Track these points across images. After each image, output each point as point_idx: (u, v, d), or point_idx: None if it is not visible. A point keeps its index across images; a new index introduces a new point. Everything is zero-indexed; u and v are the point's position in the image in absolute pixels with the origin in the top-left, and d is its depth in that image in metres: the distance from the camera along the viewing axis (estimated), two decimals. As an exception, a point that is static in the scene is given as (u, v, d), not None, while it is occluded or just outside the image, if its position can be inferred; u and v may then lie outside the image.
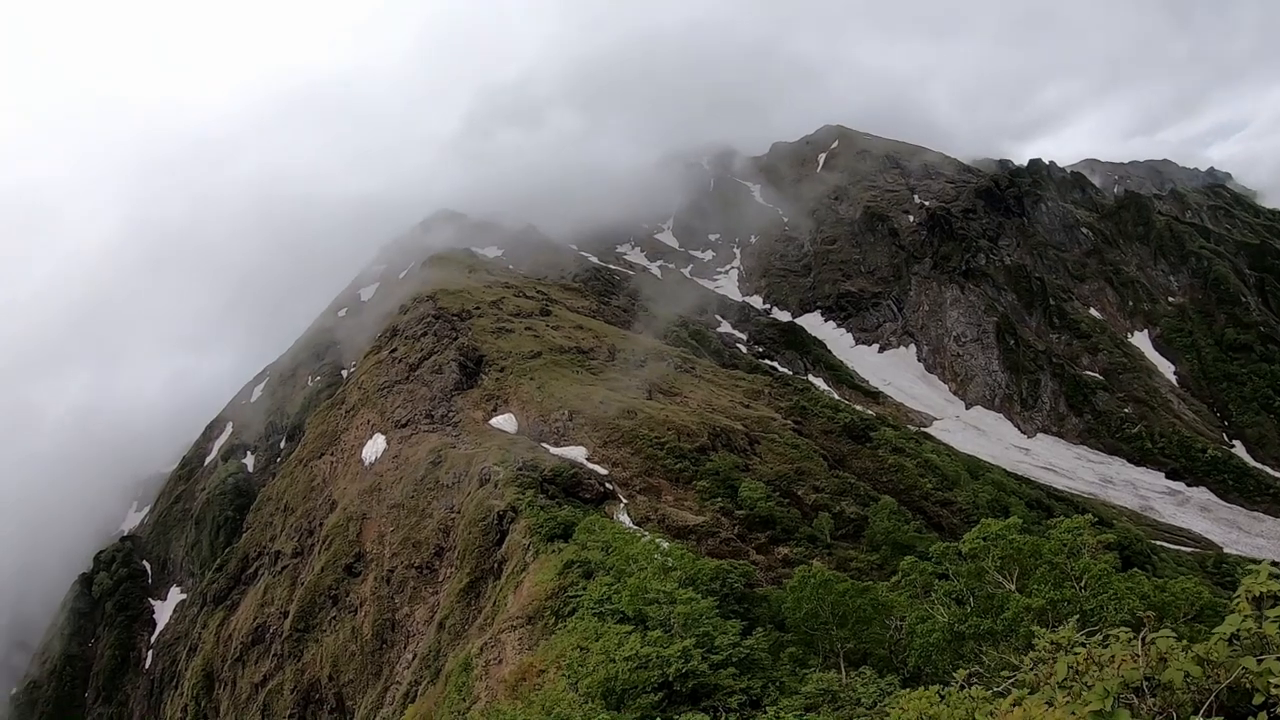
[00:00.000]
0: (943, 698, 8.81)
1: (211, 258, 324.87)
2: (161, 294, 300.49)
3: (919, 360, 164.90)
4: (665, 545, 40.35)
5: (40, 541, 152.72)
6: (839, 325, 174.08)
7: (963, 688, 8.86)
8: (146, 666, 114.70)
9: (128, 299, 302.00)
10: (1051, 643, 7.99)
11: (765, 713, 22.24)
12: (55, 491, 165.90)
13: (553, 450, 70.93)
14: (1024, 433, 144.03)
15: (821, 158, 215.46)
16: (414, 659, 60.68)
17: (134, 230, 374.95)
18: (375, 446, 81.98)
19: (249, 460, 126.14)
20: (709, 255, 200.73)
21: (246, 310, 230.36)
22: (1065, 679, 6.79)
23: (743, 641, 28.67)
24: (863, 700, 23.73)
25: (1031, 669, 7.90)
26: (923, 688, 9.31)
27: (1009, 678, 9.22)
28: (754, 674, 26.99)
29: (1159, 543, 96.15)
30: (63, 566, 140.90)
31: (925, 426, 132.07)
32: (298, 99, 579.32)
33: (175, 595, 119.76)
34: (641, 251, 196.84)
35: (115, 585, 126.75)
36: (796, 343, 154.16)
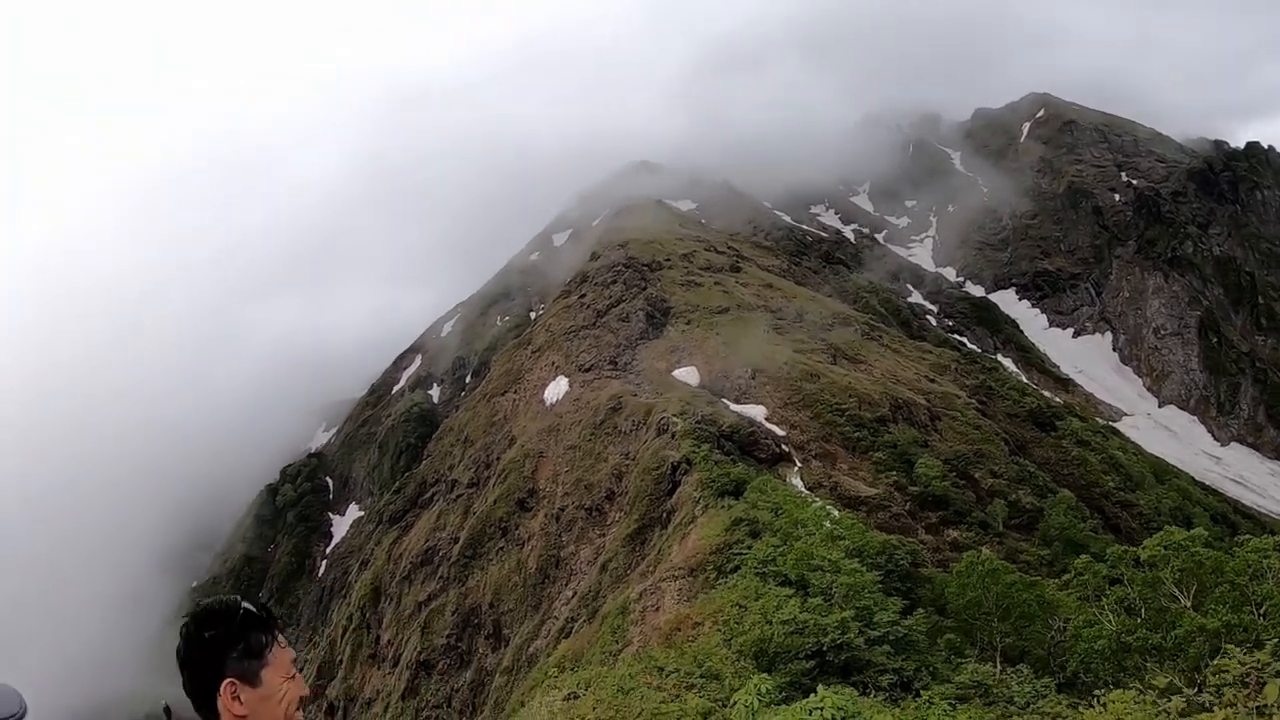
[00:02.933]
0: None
1: (426, 199, 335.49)
2: (375, 231, 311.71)
3: (1114, 350, 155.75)
4: (836, 514, 39.67)
5: (234, 452, 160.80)
6: (1033, 305, 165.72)
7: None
8: (319, 575, 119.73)
9: (344, 234, 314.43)
10: (1244, 664, 7.34)
11: (917, 697, 21.63)
12: (253, 407, 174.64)
13: (732, 407, 70.61)
14: (1217, 440, 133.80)
15: (1025, 127, 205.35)
16: (573, 597, 61.48)
17: (358, 169, 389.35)
18: (557, 388, 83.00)
19: (434, 392, 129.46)
20: (904, 222, 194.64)
21: (449, 250, 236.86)
22: (1274, 702, 6.21)
23: (901, 621, 28.02)
24: (1016, 699, 22.80)
25: (1216, 689, 7.29)
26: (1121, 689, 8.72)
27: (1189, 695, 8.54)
28: (908, 655, 26.35)
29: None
30: (251, 477, 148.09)
31: (1114, 421, 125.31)
32: (527, 52, 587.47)
33: (353, 512, 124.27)
34: (836, 214, 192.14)
35: (298, 498, 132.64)
36: (988, 320, 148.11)
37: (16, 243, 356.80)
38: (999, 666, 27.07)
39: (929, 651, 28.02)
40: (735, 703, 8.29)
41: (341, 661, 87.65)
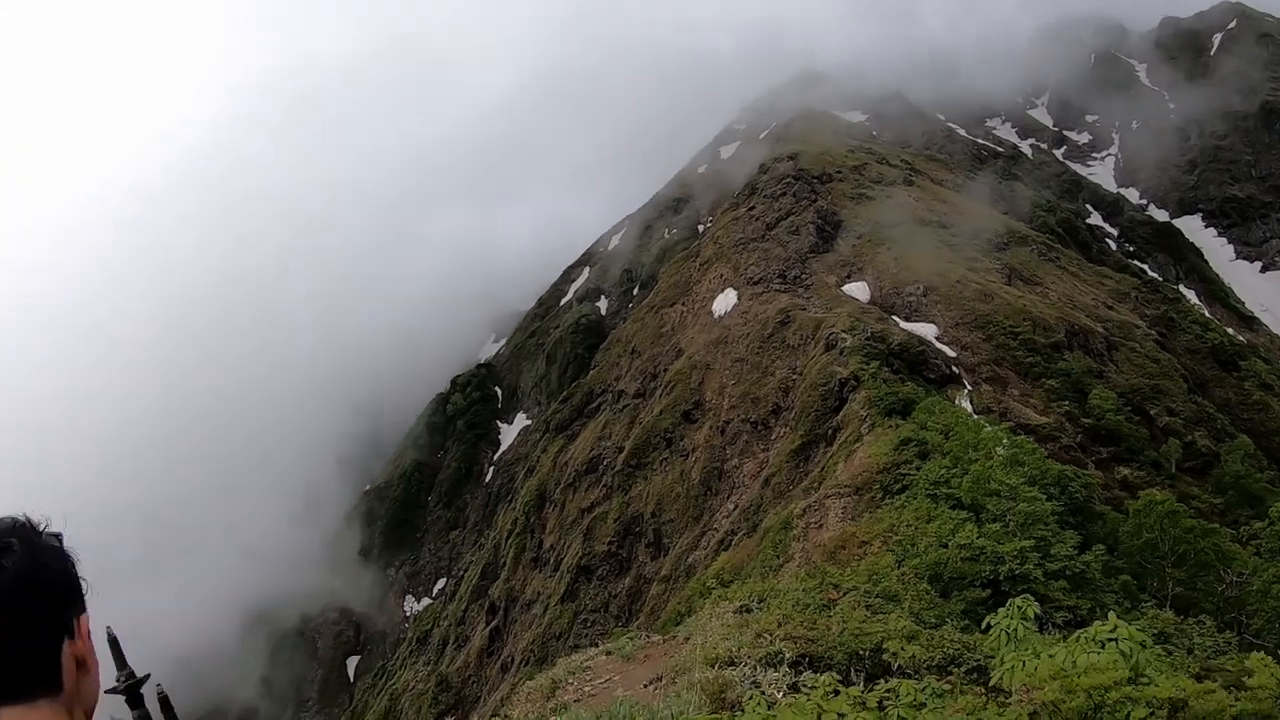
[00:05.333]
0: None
1: (600, 110, 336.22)
2: (549, 141, 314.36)
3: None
4: (1013, 439, 38.42)
5: (408, 362, 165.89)
6: (1220, 234, 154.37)
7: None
8: (486, 480, 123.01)
9: (518, 145, 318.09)
10: None
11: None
12: (427, 318, 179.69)
13: (902, 324, 69.19)
14: None
15: (1217, 38, 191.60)
16: (734, 510, 61.61)
17: (535, 79, 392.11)
18: (726, 300, 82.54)
19: (602, 304, 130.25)
20: (1084, 138, 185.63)
21: (619, 161, 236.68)
22: None
23: (1079, 556, 26.94)
24: (1195, 650, 21.56)
25: None
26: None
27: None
28: (1083, 593, 25.33)
29: None
30: (423, 386, 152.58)
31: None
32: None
33: (520, 420, 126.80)
34: (1012, 127, 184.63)
35: (468, 406, 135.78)
36: (1171, 247, 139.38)
37: (203, 153, 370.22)
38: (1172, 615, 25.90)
39: (1104, 590, 26.91)
40: (993, 626, 7.75)
41: (504, 564, 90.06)
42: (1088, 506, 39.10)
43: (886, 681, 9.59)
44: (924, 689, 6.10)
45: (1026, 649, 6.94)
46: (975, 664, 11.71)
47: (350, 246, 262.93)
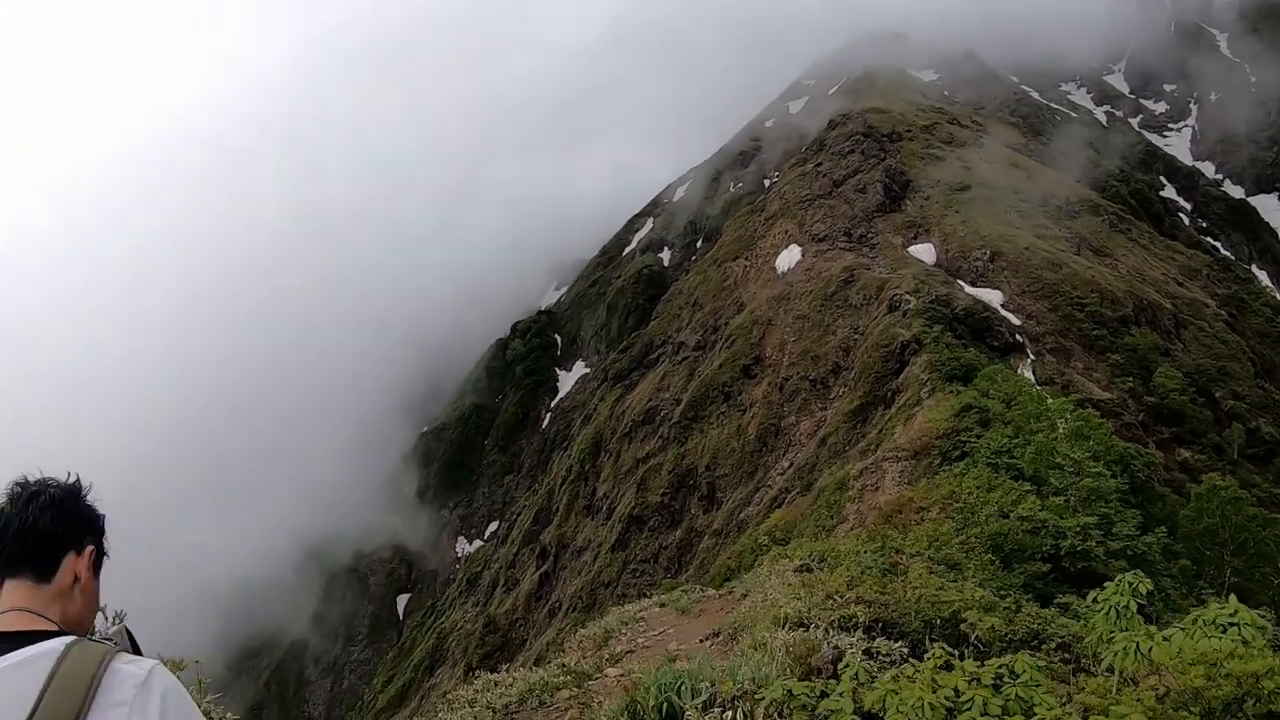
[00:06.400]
0: None
1: (675, 60, 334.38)
2: (619, 91, 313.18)
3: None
4: (1081, 411, 37.86)
5: (470, 306, 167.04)
6: None
7: None
8: (543, 426, 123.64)
9: (589, 94, 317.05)
10: None
11: (1154, 623, 20.34)
12: (491, 263, 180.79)
13: (967, 289, 68.49)
14: None
15: None
16: (789, 468, 61.49)
17: (609, 28, 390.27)
18: (790, 256, 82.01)
19: (665, 255, 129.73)
20: (1161, 107, 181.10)
21: (688, 113, 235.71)
22: None
23: (1141, 536, 26.52)
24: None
25: None
26: None
27: None
28: (1143, 574, 24.81)
29: None
30: (484, 330, 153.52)
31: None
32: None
33: (579, 368, 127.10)
34: (1087, 93, 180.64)
35: (527, 352, 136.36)
36: (1245, 225, 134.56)
37: (282, 100, 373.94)
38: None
39: (1162, 574, 26.49)
40: (1101, 601, 7.61)
41: (557, 510, 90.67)
42: (1148, 487, 38.55)
43: (965, 653, 9.49)
44: (1039, 667, 5.95)
45: (1138, 630, 6.80)
46: (1060, 640, 11.53)
47: (422, 193, 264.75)
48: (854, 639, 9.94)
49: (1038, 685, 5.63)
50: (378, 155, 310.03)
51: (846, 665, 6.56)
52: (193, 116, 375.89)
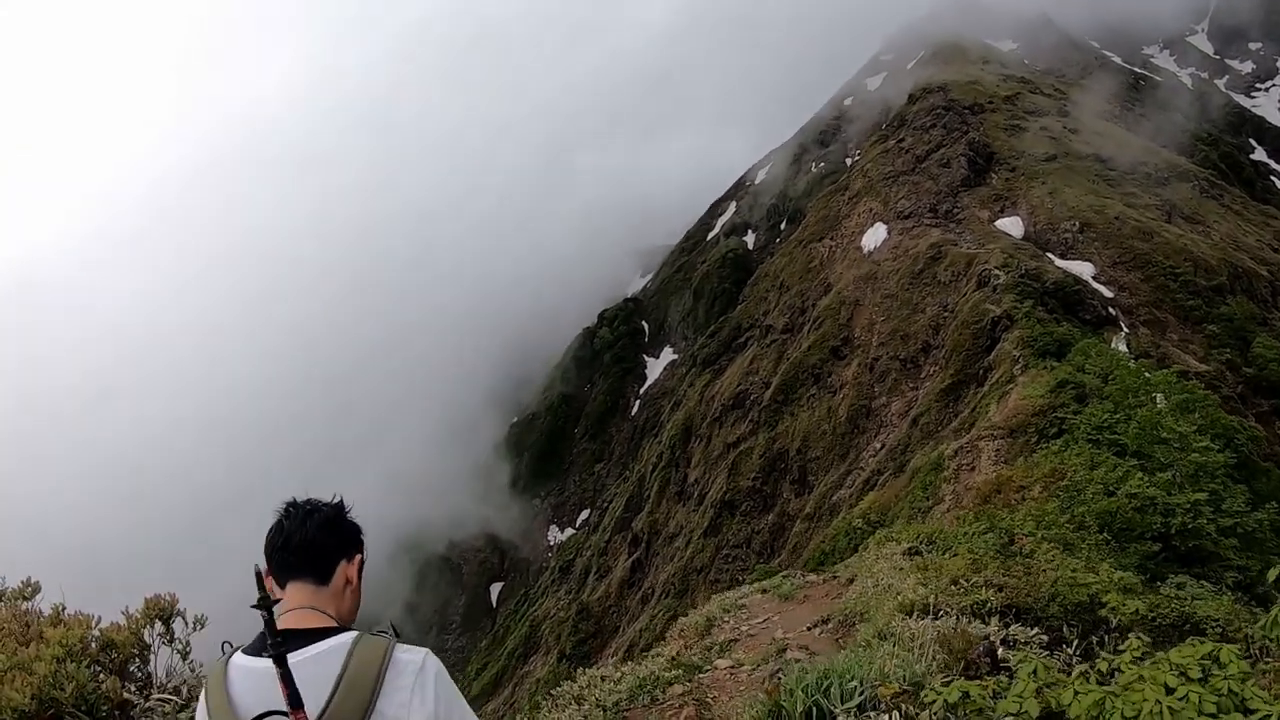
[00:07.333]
0: None
1: (755, 42, 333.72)
2: (700, 75, 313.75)
3: None
4: (1185, 383, 36.89)
5: (557, 296, 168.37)
6: None
7: None
8: (632, 414, 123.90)
9: (670, 79, 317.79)
10: None
11: (1262, 604, 19.71)
12: (577, 252, 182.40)
13: (1057, 262, 67.19)
14: None
15: None
16: (881, 449, 60.95)
17: (691, 13, 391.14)
18: (875, 235, 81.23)
19: (749, 238, 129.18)
20: (1248, 67, 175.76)
21: (772, 94, 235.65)
22: None
23: (1252, 513, 25.73)
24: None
25: None
26: None
27: None
28: (1253, 553, 24.14)
29: None
30: (572, 319, 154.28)
31: None
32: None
33: (667, 355, 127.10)
34: (1170, 55, 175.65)
35: (615, 340, 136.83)
36: None
37: (353, 97, 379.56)
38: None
39: (1272, 552, 25.64)
40: None
41: (649, 496, 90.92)
42: (1252, 461, 37.51)
43: (1106, 639, 9.20)
44: (1243, 656, 5.63)
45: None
46: (1209, 627, 11.12)
47: (506, 183, 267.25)
48: (991, 628, 9.68)
49: (1248, 677, 5.31)
50: (460, 147, 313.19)
51: (1022, 661, 6.25)
52: (277, 114, 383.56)
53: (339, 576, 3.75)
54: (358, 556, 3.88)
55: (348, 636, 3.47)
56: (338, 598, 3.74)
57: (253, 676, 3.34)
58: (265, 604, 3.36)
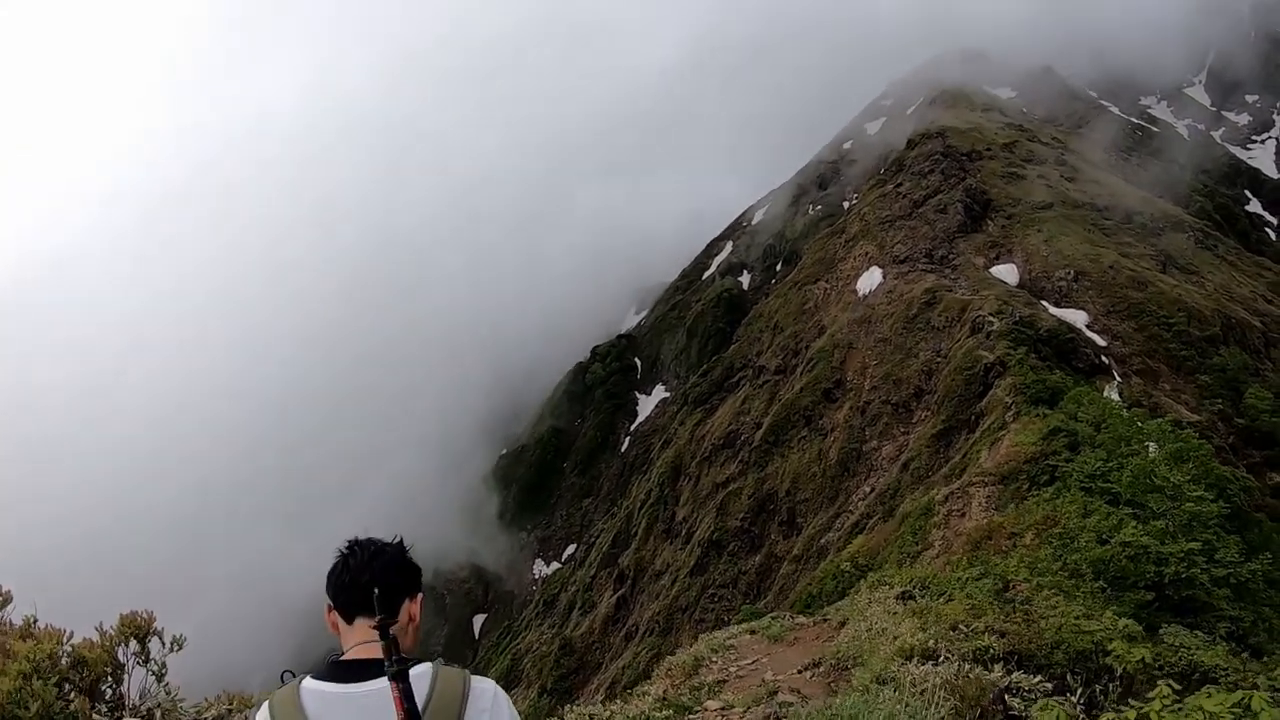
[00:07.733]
0: None
1: (754, 83, 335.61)
2: (702, 113, 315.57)
3: None
4: (1179, 432, 36.83)
5: (551, 330, 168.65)
6: None
7: None
8: (622, 450, 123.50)
9: (671, 118, 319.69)
10: None
11: (1257, 656, 19.54)
12: (572, 288, 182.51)
13: (1051, 310, 67.28)
14: None
15: None
16: (871, 493, 60.75)
17: (690, 51, 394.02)
18: (871, 279, 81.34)
19: (745, 278, 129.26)
20: (1244, 119, 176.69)
21: (770, 135, 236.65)
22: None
23: (1245, 563, 25.62)
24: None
25: None
26: None
27: None
28: (1245, 603, 24.09)
29: None
30: (565, 354, 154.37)
31: None
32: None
33: (659, 392, 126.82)
34: (1167, 106, 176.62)
35: (607, 376, 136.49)
36: None
37: (354, 124, 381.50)
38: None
39: (1264, 604, 25.57)
40: None
41: (636, 533, 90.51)
42: (1244, 512, 37.45)
43: (1110, 688, 8.99)
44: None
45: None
46: (1219, 676, 10.92)
47: (503, 216, 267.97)
48: (994, 675, 9.46)
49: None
50: (458, 177, 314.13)
51: (1043, 709, 6.08)
52: (275, 138, 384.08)
53: (404, 613, 3.96)
54: (419, 595, 4.11)
55: (428, 665, 3.73)
56: (402, 633, 3.87)
57: (327, 700, 3.55)
58: (386, 626, 3.51)
